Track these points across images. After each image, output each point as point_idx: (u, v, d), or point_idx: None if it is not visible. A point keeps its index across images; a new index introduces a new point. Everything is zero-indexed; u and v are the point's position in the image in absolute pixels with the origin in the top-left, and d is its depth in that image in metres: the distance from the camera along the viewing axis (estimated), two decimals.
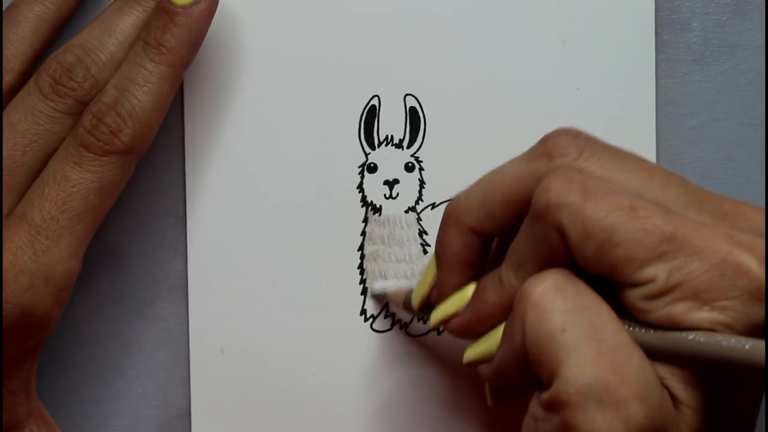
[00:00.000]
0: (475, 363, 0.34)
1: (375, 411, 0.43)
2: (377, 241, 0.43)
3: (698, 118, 0.43)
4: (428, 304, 0.37)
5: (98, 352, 0.43)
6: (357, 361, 0.43)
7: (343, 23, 0.42)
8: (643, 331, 0.31)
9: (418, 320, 0.43)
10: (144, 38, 0.37)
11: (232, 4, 0.41)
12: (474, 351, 0.35)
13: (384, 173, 0.43)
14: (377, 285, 0.42)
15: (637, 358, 0.30)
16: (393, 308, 0.42)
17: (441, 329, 0.43)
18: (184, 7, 0.37)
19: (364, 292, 0.42)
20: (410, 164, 0.43)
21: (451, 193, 0.42)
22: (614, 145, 0.33)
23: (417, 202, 0.43)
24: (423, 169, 0.43)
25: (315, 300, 0.42)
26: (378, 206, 0.43)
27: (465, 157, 0.42)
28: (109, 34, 0.38)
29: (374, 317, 0.43)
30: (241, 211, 0.42)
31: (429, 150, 0.42)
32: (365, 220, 0.43)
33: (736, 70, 0.43)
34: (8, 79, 0.38)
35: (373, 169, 0.42)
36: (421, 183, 0.43)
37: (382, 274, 0.42)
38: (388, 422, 0.43)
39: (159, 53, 0.37)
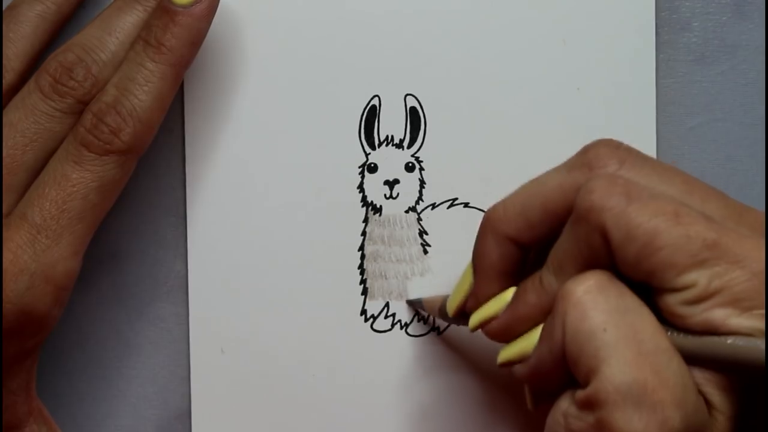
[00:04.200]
0: (510, 363, 0.34)
1: (375, 411, 0.43)
2: (377, 241, 0.43)
3: (698, 118, 0.43)
4: (463, 312, 0.37)
5: (98, 352, 0.43)
6: (357, 361, 0.43)
7: (344, 23, 0.42)
8: (681, 335, 0.30)
9: (412, 322, 0.43)
10: (145, 38, 0.37)
11: (232, 4, 0.41)
12: (510, 351, 0.34)
13: (384, 173, 0.43)
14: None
15: (677, 362, 0.30)
16: (428, 315, 0.42)
17: (441, 330, 0.43)
18: (184, 6, 0.37)
19: (364, 292, 0.42)
20: (410, 164, 0.43)
21: (451, 193, 0.43)
22: (654, 158, 0.33)
23: (417, 202, 0.43)
24: (423, 169, 0.43)
25: (315, 300, 0.42)
26: (378, 206, 0.43)
27: (465, 157, 0.42)
28: (110, 33, 0.38)
29: (374, 317, 0.43)
30: (241, 211, 0.42)
31: (429, 150, 0.42)
32: (365, 220, 0.43)
33: (736, 70, 0.43)
34: (8, 78, 0.38)
35: (373, 169, 0.42)
36: (422, 183, 0.43)
37: (382, 274, 0.42)
38: (387, 422, 0.43)
39: (159, 53, 0.37)
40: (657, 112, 0.43)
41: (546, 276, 0.33)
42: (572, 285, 0.31)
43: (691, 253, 0.30)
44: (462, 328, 0.43)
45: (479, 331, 0.36)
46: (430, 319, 0.43)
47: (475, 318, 0.36)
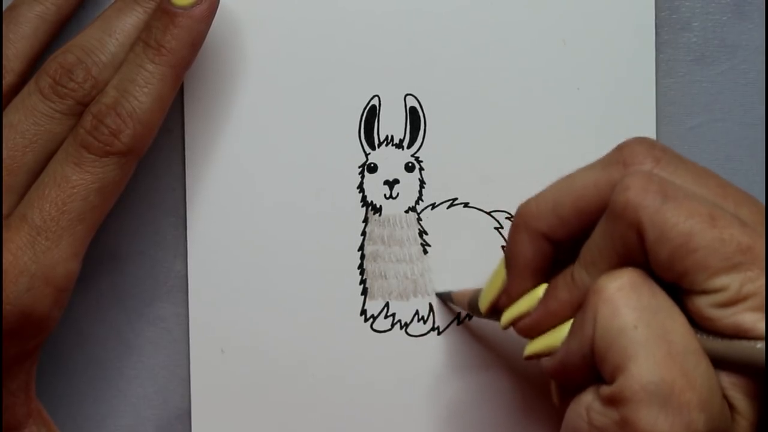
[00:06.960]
0: (537, 356, 0.34)
1: (374, 410, 0.43)
2: (377, 241, 0.43)
3: (698, 118, 0.43)
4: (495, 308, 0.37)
5: (98, 352, 0.43)
6: (357, 361, 0.43)
7: (343, 23, 0.42)
8: (710, 338, 0.30)
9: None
10: (144, 39, 0.37)
11: (232, 4, 0.41)
12: (537, 344, 0.34)
13: (384, 173, 0.43)
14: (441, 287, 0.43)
15: (705, 365, 0.30)
16: (457, 309, 0.42)
17: (441, 330, 0.43)
18: (184, 8, 0.37)
19: (364, 292, 0.42)
20: (410, 164, 0.43)
21: (450, 193, 0.43)
22: (688, 159, 0.33)
23: (417, 202, 0.43)
24: (423, 169, 0.43)
25: (315, 300, 0.42)
26: (378, 206, 0.43)
27: (465, 157, 0.42)
28: (110, 34, 0.38)
29: (374, 317, 0.43)
30: (241, 212, 0.42)
31: (429, 150, 0.42)
32: (365, 220, 0.43)
33: (736, 70, 0.43)
34: (8, 79, 0.38)
35: (373, 169, 0.42)
36: (421, 183, 0.43)
37: (382, 274, 0.43)
38: (386, 422, 0.43)
39: (159, 54, 0.37)
40: (657, 112, 0.43)
41: (578, 272, 0.33)
42: (605, 281, 0.31)
43: (724, 256, 0.30)
44: (461, 327, 0.43)
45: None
46: (430, 319, 0.43)
47: (507, 315, 0.36)
